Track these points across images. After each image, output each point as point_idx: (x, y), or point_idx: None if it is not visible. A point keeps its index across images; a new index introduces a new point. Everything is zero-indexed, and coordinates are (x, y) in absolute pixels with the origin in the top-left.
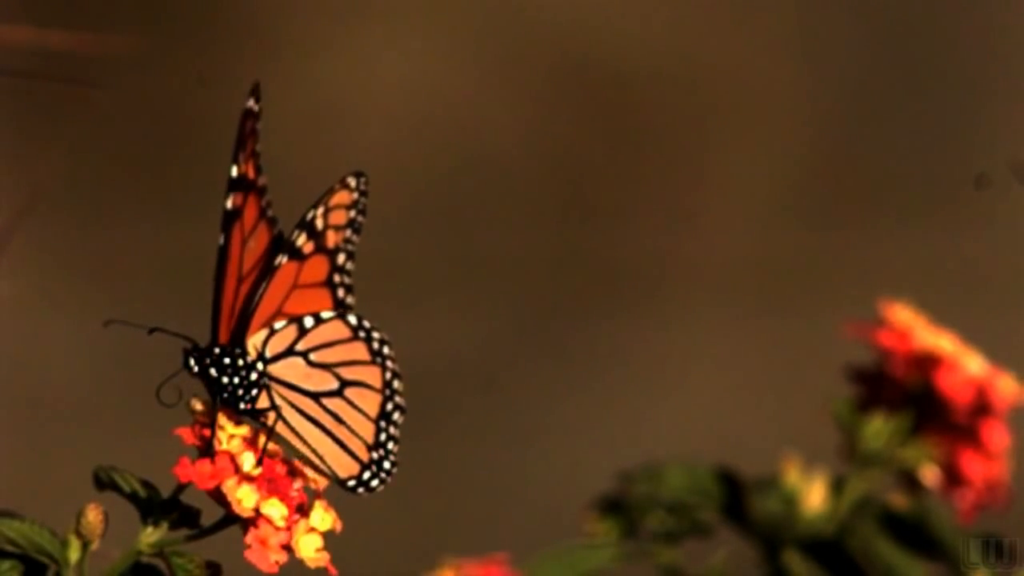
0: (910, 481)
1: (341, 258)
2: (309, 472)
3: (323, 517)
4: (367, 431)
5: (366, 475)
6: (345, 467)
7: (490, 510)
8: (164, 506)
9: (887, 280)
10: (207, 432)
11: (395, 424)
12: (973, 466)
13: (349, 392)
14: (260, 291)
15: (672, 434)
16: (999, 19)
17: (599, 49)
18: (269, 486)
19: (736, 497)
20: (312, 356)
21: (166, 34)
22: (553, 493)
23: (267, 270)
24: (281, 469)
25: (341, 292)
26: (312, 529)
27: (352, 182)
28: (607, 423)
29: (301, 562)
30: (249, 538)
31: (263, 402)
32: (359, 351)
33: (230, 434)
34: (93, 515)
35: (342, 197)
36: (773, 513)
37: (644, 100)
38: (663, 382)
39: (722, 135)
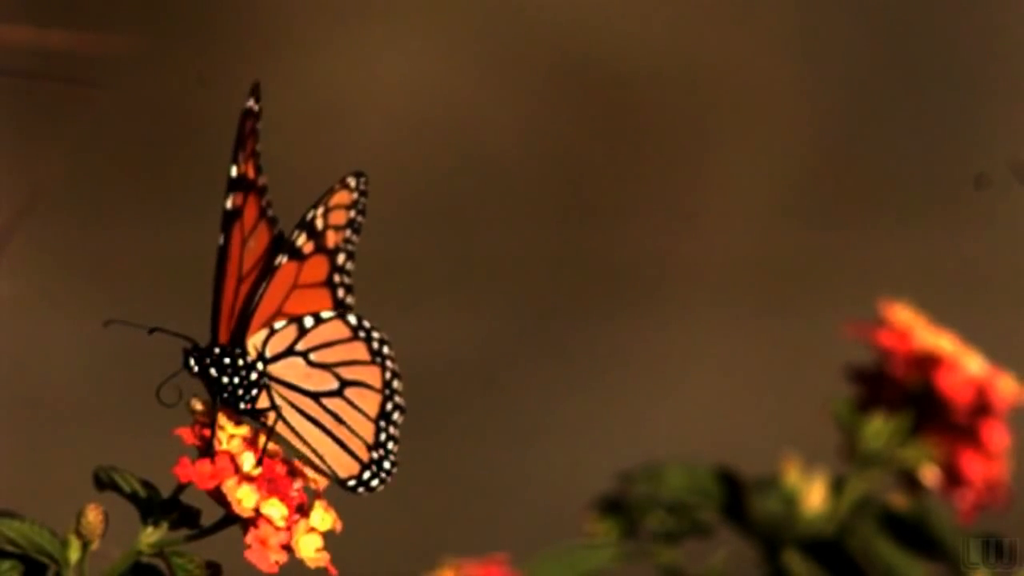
0: (910, 481)
1: (341, 258)
2: (309, 472)
3: (323, 517)
4: (367, 431)
5: (366, 475)
6: (345, 467)
7: (490, 510)
8: (164, 506)
9: (887, 280)
10: (207, 432)
11: (395, 424)
12: (973, 466)
13: (349, 392)
14: (260, 291)
15: (672, 434)
16: (999, 19)
17: (599, 49)
18: (269, 486)
19: (736, 497)
20: (312, 356)
21: (166, 34)
22: (553, 493)
23: (267, 270)
24: (281, 469)
25: (341, 292)
26: (312, 529)
27: (352, 182)
28: (607, 423)
29: (301, 562)
30: (249, 538)
31: (263, 402)
32: (359, 351)
33: (230, 434)
34: (93, 515)
35: (342, 197)
36: (773, 513)
37: (644, 100)
38: (663, 382)
39: (722, 135)
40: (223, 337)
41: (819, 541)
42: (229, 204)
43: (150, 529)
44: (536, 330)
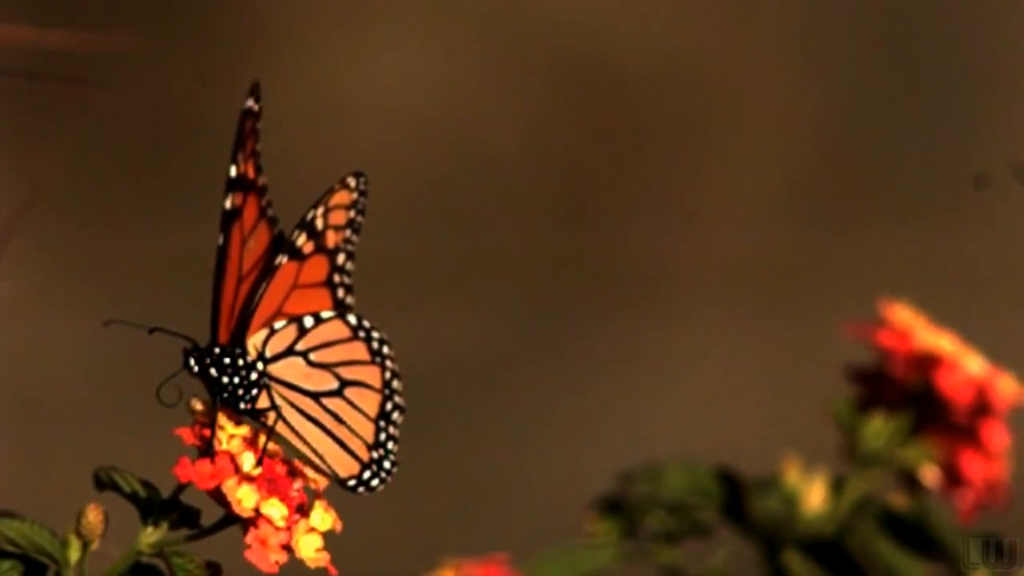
0: (910, 481)
1: (341, 258)
2: (309, 472)
3: (323, 517)
4: (367, 431)
5: (366, 474)
6: (345, 466)
7: (490, 510)
8: (164, 506)
9: (887, 280)
10: (207, 432)
11: (395, 424)
12: (973, 466)
13: (349, 392)
14: (260, 291)
15: (672, 434)
16: (999, 19)
17: (599, 49)
18: (269, 486)
19: (736, 497)
20: (312, 356)
21: (166, 34)
22: (553, 493)
23: (267, 270)
24: (281, 469)
25: (341, 292)
26: (312, 529)
27: (352, 182)
28: (607, 423)
29: (301, 562)
30: (249, 538)
31: (263, 402)
32: (359, 351)
33: (230, 434)
34: (93, 515)
35: (342, 197)
36: (773, 513)
37: (644, 100)
38: (663, 382)
39: (722, 135)
40: (223, 337)
41: (819, 541)
42: (228, 204)
43: (150, 529)
44: (536, 330)
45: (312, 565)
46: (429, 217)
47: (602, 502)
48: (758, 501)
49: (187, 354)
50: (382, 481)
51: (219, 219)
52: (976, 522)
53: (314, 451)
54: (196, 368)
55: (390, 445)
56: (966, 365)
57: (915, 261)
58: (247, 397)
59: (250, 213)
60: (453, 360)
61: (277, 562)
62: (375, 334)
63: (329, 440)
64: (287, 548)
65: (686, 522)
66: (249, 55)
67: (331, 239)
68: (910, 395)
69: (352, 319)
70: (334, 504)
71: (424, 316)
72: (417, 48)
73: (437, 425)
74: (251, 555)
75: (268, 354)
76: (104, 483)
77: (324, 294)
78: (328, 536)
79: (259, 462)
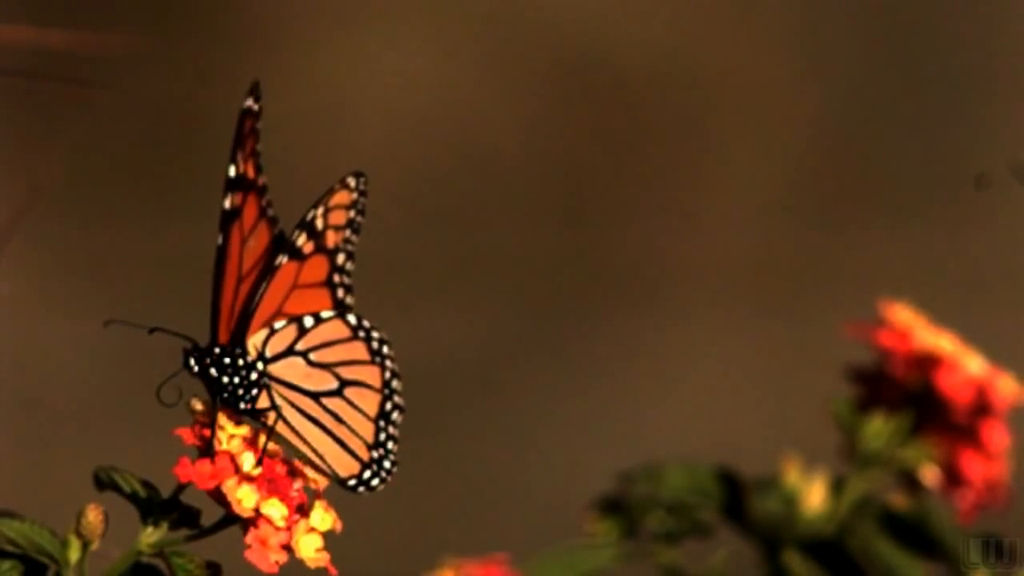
0: (910, 481)
1: (341, 258)
2: (309, 472)
3: (323, 517)
4: (367, 430)
5: (367, 474)
6: (346, 466)
7: (490, 510)
8: (164, 506)
9: (887, 280)
10: (207, 432)
11: (394, 424)
12: (973, 466)
13: (348, 392)
14: (260, 291)
15: (672, 434)
16: (999, 19)
17: (599, 49)
18: (269, 486)
19: (736, 497)
20: (312, 356)
21: (166, 34)
22: (553, 493)
23: (267, 270)
24: (281, 469)
25: (341, 292)
26: (312, 529)
27: (352, 182)
28: (607, 423)
29: (301, 562)
30: (249, 538)
31: (263, 402)
32: (358, 351)
33: (230, 434)
34: (93, 515)
35: (342, 197)
36: (773, 513)
37: (644, 100)
38: (663, 382)
39: (722, 135)
40: (223, 337)
41: (819, 541)
42: (227, 204)
43: (150, 529)
44: (536, 330)
45: (312, 565)
46: (429, 217)
47: (602, 502)
48: (758, 501)
49: (187, 354)
50: (382, 481)
51: (219, 219)
52: (976, 522)
53: (314, 451)
54: (196, 368)
55: (390, 445)
56: (966, 365)
57: (915, 261)
58: (247, 397)
59: (250, 213)
60: (453, 360)
61: (277, 562)
62: (375, 334)
63: (329, 440)
64: (287, 548)
65: (686, 522)
66: (249, 55)
67: (331, 239)
68: (910, 395)
69: (352, 319)
70: (334, 504)
71: (424, 316)
72: (417, 48)
73: (437, 425)
74: (251, 555)
75: (268, 354)
76: (104, 483)
77: (324, 294)
78: (328, 536)
79: (259, 462)
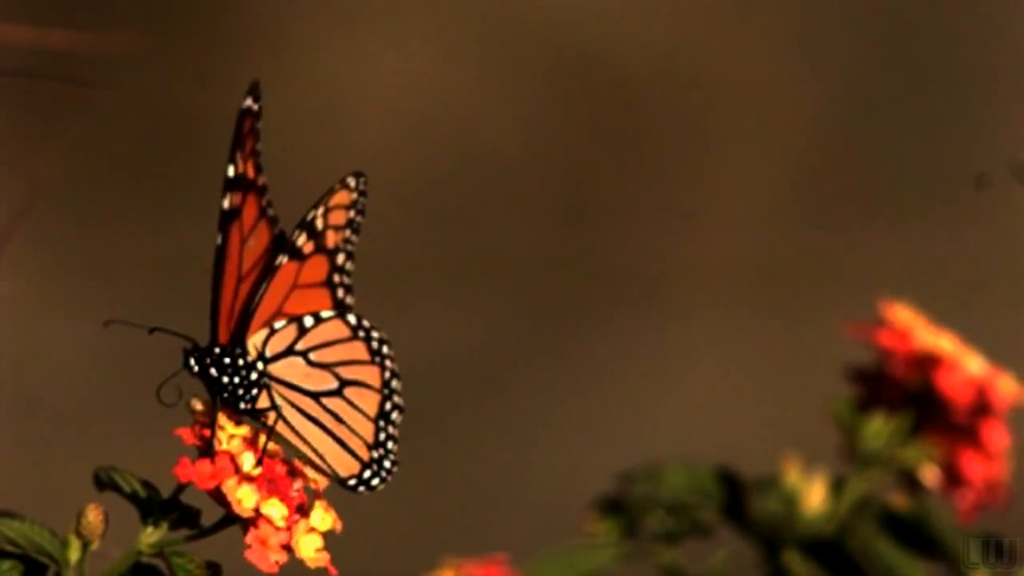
0: (910, 481)
1: (341, 258)
2: (309, 472)
3: (323, 517)
4: (367, 430)
5: (367, 474)
6: (346, 466)
7: (490, 510)
8: (164, 506)
9: (887, 280)
10: (207, 432)
11: (394, 424)
12: (973, 466)
13: (348, 391)
14: (260, 291)
15: (672, 434)
16: (999, 19)
17: (599, 49)
18: (269, 486)
19: (736, 497)
20: (312, 356)
21: (166, 34)
22: (553, 493)
23: (267, 270)
24: (281, 469)
25: (341, 292)
26: (312, 529)
27: (352, 182)
28: (607, 423)
29: (301, 562)
30: (249, 538)
31: (263, 402)
32: (358, 351)
33: (230, 434)
34: (93, 515)
35: (342, 197)
36: (773, 513)
37: (644, 100)
38: (663, 382)
39: (722, 135)
40: (223, 337)
41: (819, 541)
42: (227, 204)
43: (150, 529)
44: (536, 330)
45: (312, 565)
46: (429, 217)
47: (602, 502)
48: (758, 501)
49: (187, 354)
50: (382, 480)
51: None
52: (976, 522)
53: (314, 451)
54: (196, 368)
55: (390, 445)
56: (966, 365)
57: (915, 261)
58: (247, 397)
59: (250, 213)
60: (453, 360)
61: (277, 562)
62: (375, 334)
63: (329, 440)
64: (287, 548)
65: (686, 522)
66: (249, 55)
67: (331, 239)
68: (910, 395)
69: (352, 319)
70: (334, 504)
71: (424, 316)
72: (417, 48)
73: (437, 425)
74: (251, 555)
75: (268, 354)
76: (104, 483)
77: (324, 294)
78: (328, 536)
79: (259, 462)
